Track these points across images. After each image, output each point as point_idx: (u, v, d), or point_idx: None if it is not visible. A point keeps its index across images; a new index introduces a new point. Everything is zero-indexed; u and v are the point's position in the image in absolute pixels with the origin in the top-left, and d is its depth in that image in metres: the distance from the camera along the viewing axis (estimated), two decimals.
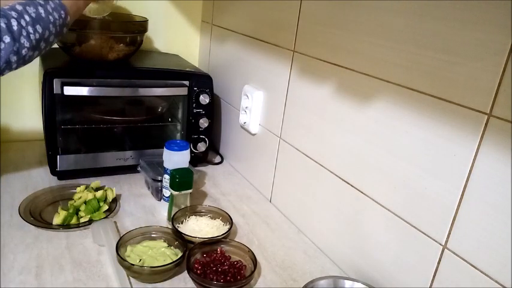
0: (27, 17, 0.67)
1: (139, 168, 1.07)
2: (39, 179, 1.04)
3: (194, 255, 0.78)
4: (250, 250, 0.80)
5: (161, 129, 1.25)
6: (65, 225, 0.86)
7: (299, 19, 0.92)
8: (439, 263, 0.64)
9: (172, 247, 0.81)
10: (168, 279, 0.76)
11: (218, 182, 1.16)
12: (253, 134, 1.13)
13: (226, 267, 0.75)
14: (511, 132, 0.53)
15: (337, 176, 0.84)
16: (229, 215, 0.91)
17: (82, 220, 0.88)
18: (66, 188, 0.99)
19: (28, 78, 1.23)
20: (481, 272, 0.58)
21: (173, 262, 0.74)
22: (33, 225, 0.84)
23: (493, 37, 0.54)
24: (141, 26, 1.13)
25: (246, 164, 1.20)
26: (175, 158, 0.95)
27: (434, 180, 0.64)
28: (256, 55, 1.10)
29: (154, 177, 1.00)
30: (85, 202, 0.90)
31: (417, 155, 0.66)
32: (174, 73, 1.13)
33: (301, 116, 0.94)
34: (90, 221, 0.88)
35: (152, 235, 0.83)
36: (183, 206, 0.92)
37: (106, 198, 0.94)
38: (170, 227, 0.86)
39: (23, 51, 0.68)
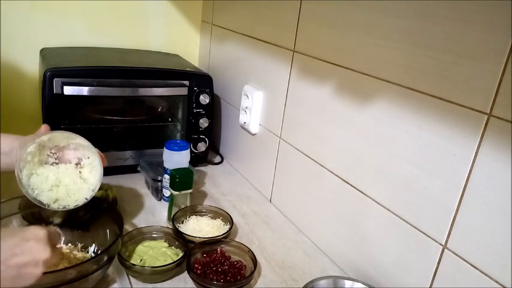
0: None
1: (139, 168, 1.07)
2: None
3: (194, 255, 0.78)
4: (250, 250, 0.80)
5: (161, 129, 1.25)
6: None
7: (299, 19, 0.92)
8: (439, 263, 0.64)
9: (173, 247, 0.81)
10: (169, 279, 0.76)
11: (218, 182, 1.16)
12: (253, 134, 1.13)
13: (226, 267, 0.75)
14: (511, 132, 0.53)
15: (337, 176, 0.84)
16: (229, 215, 0.91)
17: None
18: None
19: (28, 78, 1.23)
20: (481, 272, 0.58)
21: (174, 262, 0.74)
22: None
23: (493, 37, 0.54)
24: None
25: (246, 164, 1.20)
26: (175, 158, 0.95)
27: (434, 180, 0.64)
28: (256, 55, 1.10)
29: (155, 177, 1.00)
30: None
31: (417, 155, 0.66)
32: (174, 73, 1.13)
33: (301, 116, 0.94)
34: None
35: (153, 235, 0.83)
36: (183, 206, 0.92)
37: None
38: (170, 226, 0.86)
39: None
